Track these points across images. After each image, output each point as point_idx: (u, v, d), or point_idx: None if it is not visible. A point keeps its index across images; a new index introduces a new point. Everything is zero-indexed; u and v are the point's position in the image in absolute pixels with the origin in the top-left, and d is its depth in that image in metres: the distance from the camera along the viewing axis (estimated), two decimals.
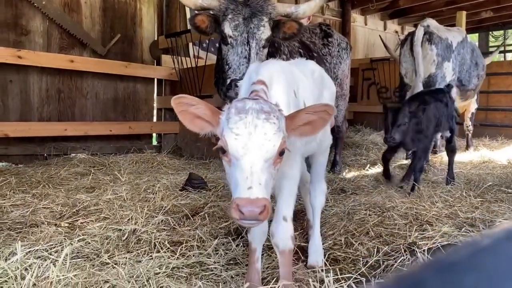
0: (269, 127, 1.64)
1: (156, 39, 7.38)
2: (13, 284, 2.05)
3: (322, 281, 2.10)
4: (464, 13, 7.40)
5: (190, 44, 7.16)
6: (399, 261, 2.46)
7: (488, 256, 0.41)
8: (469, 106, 6.88)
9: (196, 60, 6.22)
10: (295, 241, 2.84)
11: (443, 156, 6.40)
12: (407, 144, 4.14)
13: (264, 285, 2.05)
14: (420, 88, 5.27)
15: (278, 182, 2.03)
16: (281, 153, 1.70)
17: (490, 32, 14.32)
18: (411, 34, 5.60)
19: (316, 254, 2.56)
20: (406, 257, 2.49)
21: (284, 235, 2.04)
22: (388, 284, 0.42)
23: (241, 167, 1.62)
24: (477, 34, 14.52)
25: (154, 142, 7.50)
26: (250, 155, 1.61)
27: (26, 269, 2.20)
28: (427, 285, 0.38)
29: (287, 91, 2.06)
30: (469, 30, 11.25)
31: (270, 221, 2.15)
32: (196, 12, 3.66)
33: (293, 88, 2.16)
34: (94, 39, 6.66)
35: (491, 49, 14.03)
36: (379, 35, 9.40)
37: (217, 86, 4.18)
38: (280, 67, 2.13)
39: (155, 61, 7.39)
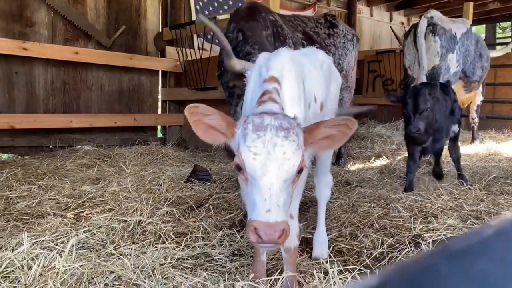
0: (288, 146, 1.57)
1: (160, 30, 7.36)
2: (20, 274, 2.07)
3: (326, 273, 2.10)
4: (471, 4, 7.32)
5: (195, 36, 7.13)
6: (403, 253, 2.46)
7: (498, 241, 0.40)
8: (475, 98, 6.82)
9: (201, 52, 6.20)
10: (300, 233, 2.85)
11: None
12: (430, 135, 3.73)
13: (269, 275, 2.06)
14: (423, 80, 5.21)
15: None
16: (299, 171, 1.64)
17: (498, 24, 14.16)
18: (415, 26, 5.53)
19: (321, 246, 2.57)
20: (411, 249, 2.50)
21: (290, 233, 2.01)
22: (396, 270, 0.42)
23: (258, 188, 1.56)
24: (484, 26, 14.36)
25: (159, 134, 7.51)
26: (269, 175, 1.55)
27: (32, 259, 2.21)
28: (436, 270, 0.38)
29: (299, 86, 2.01)
30: (476, 22, 11.14)
31: None
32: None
33: (304, 80, 2.11)
34: (98, 30, 6.65)
35: (498, 41, 13.91)
36: (390, 26, 9.31)
37: (221, 78, 4.17)
38: (291, 58, 2.06)
39: (159, 53, 7.37)
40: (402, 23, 12.33)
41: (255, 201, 1.56)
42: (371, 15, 11.60)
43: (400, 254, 2.46)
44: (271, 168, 1.54)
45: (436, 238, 2.63)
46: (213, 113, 1.72)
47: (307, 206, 3.43)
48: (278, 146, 1.56)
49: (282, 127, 1.59)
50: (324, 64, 2.57)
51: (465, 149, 6.32)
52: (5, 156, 5.78)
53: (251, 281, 1.93)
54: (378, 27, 11.63)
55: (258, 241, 1.49)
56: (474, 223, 2.96)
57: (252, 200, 1.59)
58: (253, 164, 1.57)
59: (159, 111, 7.55)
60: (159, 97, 7.48)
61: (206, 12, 7.94)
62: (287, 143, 1.57)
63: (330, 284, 1.86)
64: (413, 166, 3.91)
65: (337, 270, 1.96)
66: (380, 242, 2.65)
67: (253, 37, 3.85)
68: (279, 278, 1.94)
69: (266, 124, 1.60)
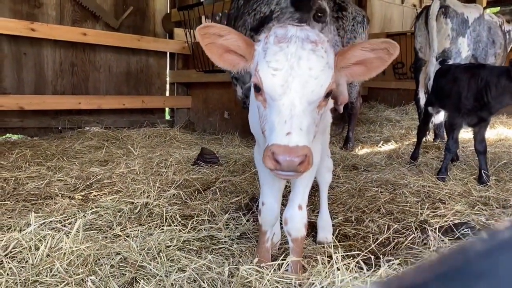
0: (316, 61, 1.37)
1: (168, 12, 7.29)
2: (27, 254, 2.10)
3: (330, 257, 2.10)
4: None
5: (203, 17, 7.06)
6: (409, 238, 2.45)
7: (501, 258, 0.33)
8: None
9: None
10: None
11: None
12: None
13: (273, 261, 2.06)
14: (433, 63, 5.18)
15: None
16: (327, 94, 1.44)
17: None
18: (427, 8, 5.48)
19: (325, 230, 2.56)
20: (417, 235, 2.48)
21: (298, 223, 1.96)
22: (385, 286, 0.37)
23: (278, 109, 1.36)
24: (498, 8, 14.04)
25: (167, 117, 7.51)
26: (290, 94, 1.35)
27: (40, 240, 2.24)
28: None
29: None
30: (490, 4, 10.88)
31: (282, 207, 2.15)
32: None
33: None
34: (106, 11, 6.61)
35: None
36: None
37: None
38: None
39: (167, 34, 7.32)
40: (414, 5, 12.09)
41: (273, 125, 1.36)
42: None
43: (406, 239, 2.45)
44: (294, 86, 1.35)
45: (443, 224, 2.61)
46: (230, 32, 1.50)
47: (314, 190, 3.42)
48: (303, 60, 1.36)
49: (309, 39, 1.39)
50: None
51: None
52: (14, 137, 5.82)
53: (255, 265, 1.93)
54: (389, 10, 11.42)
55: (276, 167, 1.32)
56: (482, 209, 2.94)
57: (270, 124, 1.39)
58: (272, 81, 1.36)
59: (167, 93, 7.54)
60: (167, 79, 7.46)
61: None
62: (315, 57, 1.37)
63: (334, 270, 1.85)
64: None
65: (341, 255, 1.95)
66: (386, 227, 2.64)
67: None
68: (283, 263, 1.94)
69: (290, 35, 1.39)
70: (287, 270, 1.96)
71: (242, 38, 1.50)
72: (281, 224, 2.20)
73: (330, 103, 2.59)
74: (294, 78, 1.34)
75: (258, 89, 1.43)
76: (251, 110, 1.91)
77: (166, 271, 2.04)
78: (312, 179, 2.06)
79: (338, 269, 1.82)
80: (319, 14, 3.52)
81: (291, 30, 1.41)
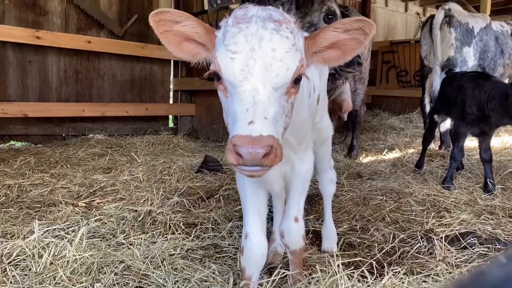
0: (280, 41, 1.23)
1: None
2: (30, 262, 2.09)
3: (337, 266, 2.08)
4: None
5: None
6: (415, 248, 2.42)
7: None
8: None
9: None
10: (310, 225, 2.83)
11: None
12: None
13: (273, 271, 2.04)
14: (437, 71, 5.23)
15: (289, 178, 1.85)
16: (296, 80, 1.30)
17: None
18: (432, 17, 5.58)
19: (329, 239, 2.54)
20: (423, 244, 2.46)
21: (296, 236, 1.90)
22: None
23: (240, 97, 1.22)
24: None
25: (171, 124, 7.51)
26: (252, 79, 1.21)
27: (43, 248, 2.23)
28: None
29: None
30: (494, 12, 10.88)
31: (268, 238, 2.09)
32: None
33: None
34: (111, 19, 6.64)
35: None
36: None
37: None
38: None
39: None
40: (418, 13, 12.12)
41: (236, 114, 1.23)
42: (386, 5, 11.41)
43: (412, 248, 2.43)
44: (256, 70, 1.21)
45: (449, 233, 2.59)
46: (187, 18, 1.36)
47: (318, 199, 3.40)
48: (265, 41, 1.22)
49: (272, 19, 1.26)
50: None
51: None
52: (18, 144, 5.83)
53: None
54: (393, 18, 11.45)
55: (238, 161, 1.16)
56: (488, 218, 2.91)
57: (233, 114, 1.25)
58: (231, 66, 1.22)
59: (171, 101, 7.55)
60: (171, 86, 7.47)
61: (219, 1, 7.87)
62: (278, 37, 1.23)
63: (336, 279, 1.83)
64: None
65: (342, 262, 1.93)
66: (391, 236, 2.62)
67: None
68: (284, 274, 1.92)
69: (251, 15, 1.26)
70: (286, 283, 1.94)
71: (201, 25, 1.37)
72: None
73: (328, 124, 2.48)
74: (255, 61, 1.21)
75: (218, 77, 1.30)
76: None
77: (170, 280, 2.02)
78: (307, 185, 1.94)
79: (341, 278, 1.80)
80: (330, 16, 3.52)
81: (251, 9, 1.28)
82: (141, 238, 2.53)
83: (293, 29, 1.29)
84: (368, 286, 1.90)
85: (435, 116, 4.34)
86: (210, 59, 1.36)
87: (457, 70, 5.18)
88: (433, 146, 5.63)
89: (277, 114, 1.24)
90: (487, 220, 2.88)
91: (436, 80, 5.26)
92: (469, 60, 5.37)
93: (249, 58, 1.21)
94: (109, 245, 2.42)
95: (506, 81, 6.39)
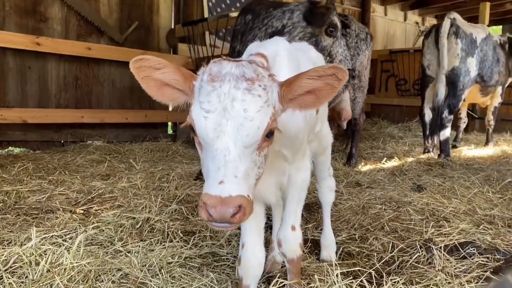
0: (251, 101, 1.26)
1: (173, 27, 7.36)
2: (27, 269, 2.07)
3: (336, 276, 2.07)
4: (488, 4, 7.21)
5: (207, 33, 7.13)
6: (414, 257, 2.41)
7: None
8: (493, 100, 6.75)
9: (213, 49, 6.19)
10: (308, 234, 2.82)
11: (462, 151, 6.29)
12: None
13: (271, 281, 2.02)
14: (442, 80, 5.28)
15: (285, 188, 1.85)
16: (268, 134, 1.33)
17: None
18: (437, 26, 5.63)
19: (328, 248, 2.52)
20: (422, 254, 2.45)
21: (293, 245, 1.89)
22: None
23: (212, 154, 1.26)
24: (500, 27, 14.13)
25: (170, 131, 7.52)
26: (224, 138, 1.25)
27: (40, 255, 2.21)
28: None
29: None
30: (493, 22, 10.96)
31: (266, 247, 2.08)
32: None
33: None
34: (111, 26, 6.67)
35: None
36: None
37: None
38: (288, 45, 1.84)
39: (171, 49, 7.38)
40: (417, 23, 12.19)
41: (208, 170, 1.28)
42: (385, 14, 11.49)
43: (411, 258, 2.41)
44: (227, 129, 1.24)
45: (448, 243, 2.57)
46: (166, 65, 1.39)
47: (317, 207, 3.39)
48: (237, 101, 1.25)
49: (244, 77, 1.28)
50: (317, 62, 2.29)
51: (479, 151, 6.23)
52: (17, 150, 5.82)
53: None
54: (392, 27, 11.52)
55: (209, 219, 1.22)
56: (487, 228, 2.90)
57: (206, 169, 1.30)
58: (204, 124, 1.26)
59: (170, 108, 7.55)
60: None
61: (219, 9, 7.92)
62: (250, 97, 1.26)
63: None
64: None
65: (340, 272, 1.92)
66: (390, 245, 2.61)
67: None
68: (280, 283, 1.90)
69: (224, 73, 1.29)
70: None
71: (179, 72, 1.40)
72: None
73: (328, 132, 2.48)
74: (227, 120, 1.24)
75: (193, 130, 1.33)
76: None
77: None
78: (304, 194, 1.93)
79: (339, 287, 1.78)
80: (331, 29, 3.55)
81: (225, 66, 1.31)
82: (139, 246, 2.51)
83: (266, 85, 1.32)
84: None
85: None
86: (189, 102, 1.39)
87: (461, 80, 5.33)
88: (433, 155, 5.64)
89: (248, 169, 1.29)
90: (486, 230, 2.87)
91: (441, 89, 5.32)
92: (472, 70, 5.47)
93: (222, 117, 1.25)
94: (107, 253, 2.41)
95: (500, 88, 6.46)
